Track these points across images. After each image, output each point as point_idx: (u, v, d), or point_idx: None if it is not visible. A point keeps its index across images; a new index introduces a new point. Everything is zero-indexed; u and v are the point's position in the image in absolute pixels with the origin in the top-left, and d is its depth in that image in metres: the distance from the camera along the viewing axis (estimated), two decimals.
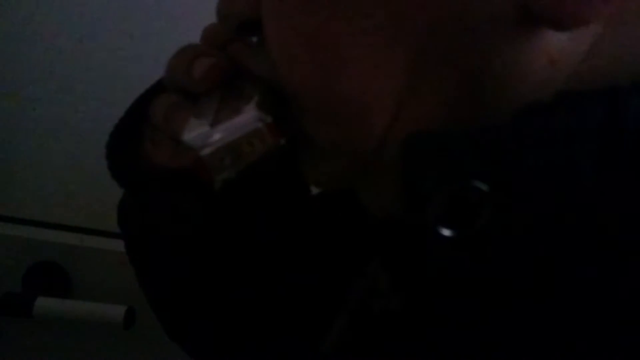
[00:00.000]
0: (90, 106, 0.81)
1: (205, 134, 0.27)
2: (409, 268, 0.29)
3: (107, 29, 0.81)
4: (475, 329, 0.25)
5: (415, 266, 0.27)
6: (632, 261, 0.22)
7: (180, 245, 0.38)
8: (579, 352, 0.22)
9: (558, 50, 0.22)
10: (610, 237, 0.22)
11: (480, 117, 0.24)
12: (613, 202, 0.22)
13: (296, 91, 0.26)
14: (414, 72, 0.23)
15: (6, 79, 0.81)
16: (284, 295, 0.40)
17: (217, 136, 0.27)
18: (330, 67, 0.24)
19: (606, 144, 0.22)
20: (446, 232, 0.24)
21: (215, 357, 0.43)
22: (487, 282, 0.24)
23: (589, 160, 0.22)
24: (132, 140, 0.35)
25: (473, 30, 0.22)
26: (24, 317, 0.74)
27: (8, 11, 0.80)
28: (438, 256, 0.25)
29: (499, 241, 0.23)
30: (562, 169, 0.22)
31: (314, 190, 0.39)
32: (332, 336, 0.35)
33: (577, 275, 0.23)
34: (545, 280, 0.23)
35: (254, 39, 0.30)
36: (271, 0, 0.25)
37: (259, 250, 0.40)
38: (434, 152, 0.24)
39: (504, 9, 0.21)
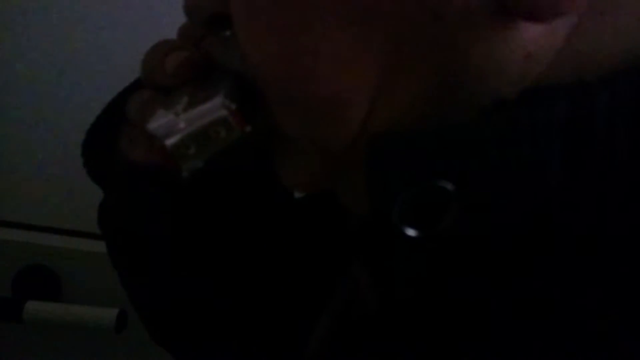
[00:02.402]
0: (82, 108, 0.81)
1: (169, 123, 0.27)
2: (383, 268, 0.28)
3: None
4: (444, 329, 0.25)
5: (386, 266, 0.27)
6: (601, 257, 0.22)
7: (155, 244, 0.38)
8: (554, 352, 0.22)
9: (534, 43, 0.22)
10: (577, 233, 0.22)
11: (457, 113, 0.23)
12: (580, 198, 0.22)
13: (268, 87, 0.25)
14: (389, 67, 0.23)
15: None
16: (266, 297, 0.40)
17: (181, 125, 0.26)
18: (303, 62, 0.23)
19: (573, 139, 0.21)
20: (411, 232, 0.23)
21: (199, 359, 0.43)
22: (452, 282, 0.24)
23: (555, 156, 0.21)
24: (109, 138, 0.35)
25: (447, 23, 0.21)
26: (14, 322, 0.73)
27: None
28: (404, 257, 0.25)
29: (464, 240, 0.23)
30: (528, 165, 0.22)
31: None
32: (316, 338, 0.35)
33: (544, 273, 0.22)
34: (512, 279, 0.23)
35: (227, 33, 0.30)
36: None
37: (239, 252, 0.39)
38: (397, 152, 0.23)
39: (479, 2, 0.21)
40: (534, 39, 0.22)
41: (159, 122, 0.27)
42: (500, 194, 0.22)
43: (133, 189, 0.35)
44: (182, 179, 0.28)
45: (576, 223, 0.22)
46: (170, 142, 0.26)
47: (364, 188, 0.25)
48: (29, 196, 0.83)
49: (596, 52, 0.22)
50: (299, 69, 0.24)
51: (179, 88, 0.30)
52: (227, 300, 0.40)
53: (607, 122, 0.21)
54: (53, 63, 0.82)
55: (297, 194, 0.39)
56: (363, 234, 0.32)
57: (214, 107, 0.26)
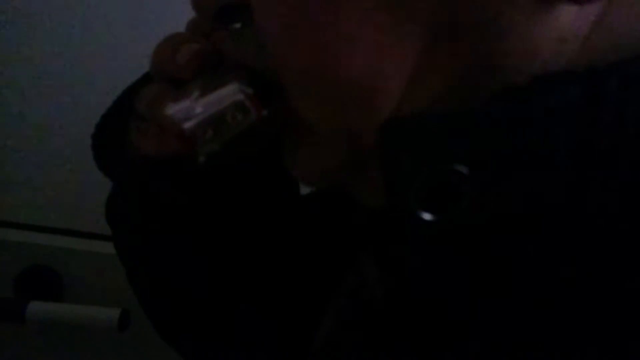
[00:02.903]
0: (83, 109, 0.81)
1: (187, 108, 0.27)
2: (393, 257, 0.28)
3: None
4: (457, 317, 0.25)
5: (398, 254, 0.27)
6: (611, 244, 0.22)
7: (165, 235, 0.38)
8: (563, 342, 0.22)
9: (567, 27, 0.22)
10: (586, 218, 0.22)
11: (488, 98, 0.23)
12: (590, 183, 0.22)
13: (295, 75, 0.25)
14: (426, 51, 0.23)
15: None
16: (271, 292, 0.40)
17: (198, 109, 0.27)
18: (335, 46, 0.23)
19: (583, 123, 0.22)
20: (427, 217, 0.24)
21: (206, 355, 0.43)
22: (468, 266, 0.24)
23: (565, 140, 0.22)
24: (119, 132, 0.35)
25: (491, 5, 0.22)
26: (16, 323, 0.73)
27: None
28: (419, 241, 0.25)
29: (478, 223, 0.24)
30: (540, 149, 0.22)
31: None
32: (324, 329, 0.35)
33: (556, 257, 0.23)
34: (525, 263, 0.23)
35: (237, 26, 0.29)
36: None
37: (246, 246, 0.39)
38: (412, 136, 0.23)
39: None
40: (568, 23, 0.22)
41: (176, 107, 0.27)
42: (513, 177, 0.23)
43: (144, 181, 0.35)
44: (199, 164, 0.28)
45: (585, 206, 0.22)
46: (187, 125, 0.27)
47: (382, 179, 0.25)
48: (31, 197, 0.83)
49: (624, 36, 0.23)
50: (333, 55, 0.23)
51: (191, 80, 0.30)
52: (233, 295, 0.40)
53: (616, 107, 0.21)
54: (56, 62, 0.81)
55: (303, 189, 0.39)
56: (372, 226, 0.32)
57: (231, 92, 0.27)
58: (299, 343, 0.36)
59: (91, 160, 0.37)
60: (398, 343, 0.28)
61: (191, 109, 0.27)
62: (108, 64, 0.80)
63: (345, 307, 0.34)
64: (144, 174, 0.35)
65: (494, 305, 0.24)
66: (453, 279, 0.25)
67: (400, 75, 0.23)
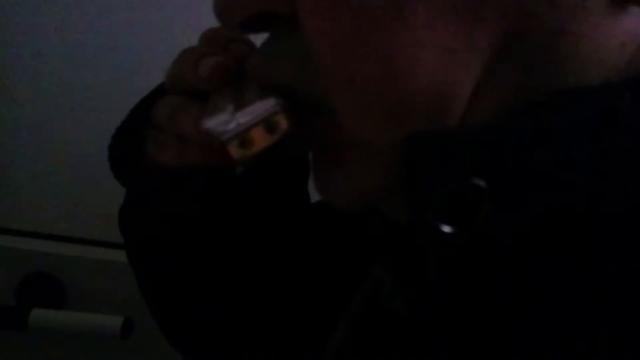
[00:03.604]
0: (84, 116, 0.81)
1: (226, 121, 0.28)
2: (411, 268, 0.28)
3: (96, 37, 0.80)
4: (475, 328, 0.25)
5: (415, 266, 0.27)
6: (630, 257, 0.22)
7: (184, 245, 0.38)
8: (579, 352, 0.22)
9: (628, 32, 0.23)
10: (606, 233, 0.23)
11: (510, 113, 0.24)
12: (609, 198, 0.22)
13: (352, 89, 0.24)
14: (494, 57, 0.22)
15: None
16: (287, 298, 0.40)
17: (239, 121, 0.28)
18: (403, 53, 0.22)
19: (601, 138, 0.22)
20: (446, 229, 0.24)
21: None
22: (485, 279, 0.24)
23: (584, 156, 0.22)
24: (134, 142, 0.36)
25: (562, 11, 0.22)
26: (19, 330, 0.73)
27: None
28: (438, 253, 0.25)
29: (497, 238, 0.24)
30: (559, 165, 0.22)
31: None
32: (337, 338, 0.34)
33: (576, 270, 0.23)
34: (544, 276, 0.24)
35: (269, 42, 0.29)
36: None
37: (264, 252, 0.40)
38: (434, 150, 0.23)
39: None
40: (629, 28, 0.23)
41: (215, 120, 0.28)
42: (532, 192, 0.23)
43: (161, 191, 0.36)
44: (236, 174, 0.29)
45: (605, 221, 0.23)
46: (226, 138, 0.28)
47: None
48: (33, 204, 0.83)
49: None
50: (401, 62, 0.22)
51: (215, 93, 0.31)
52: (246, 302, 0.40)
53: (630, 122, 0.22)
54: (59, 72, 0.82)
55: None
56: (388, 237, 0.32)
57: (268, 105, 0.28)
58: (312, 350, 0.36)
59: (94, 167, 0.38)
60: (416, 353, 0.27)
61: (228, 122, 0.28)
62: (110, 71, 0.80)
63: (360, 315, 0.34)
64: (159, 183, 0.35)
65: (514, 318, 0.24)
66: (471, 292, 0.25)
67: (468, 82, 0.23)
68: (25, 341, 0.79)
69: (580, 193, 0.22)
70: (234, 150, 0.28)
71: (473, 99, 0.23)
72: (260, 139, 0.28)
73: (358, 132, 0.25)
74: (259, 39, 0.30)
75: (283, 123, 0.28)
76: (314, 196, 0.40)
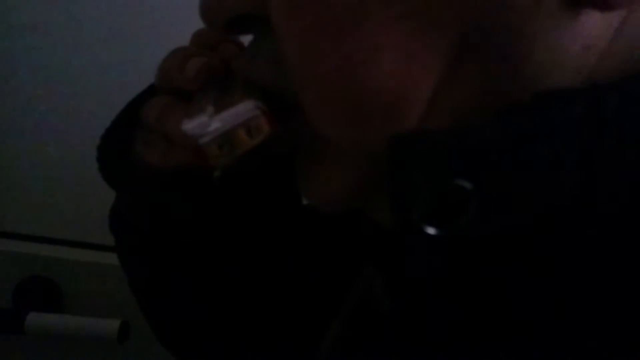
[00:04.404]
0: (83, 120, 0.81)
1: (203, 124, 0.28)
2: (399, 269, 0.28)
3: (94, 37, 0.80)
4: (460, 329, 0.25)
5: (402, 267, 0.27)
6: (617, 257, 0.22)
7: (173, 245, 0.38)
8: (563, 352, 0.22)
9: (591, 34, 0.22)
10: (592, 232, 0.23)
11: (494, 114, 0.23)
12: (594, 197, 0.22)
13: (317, 88, 0.25)
14: (452, 59, 0.23)
15: None
16: (281, 298, 0.40)
17: (215, 125, 0.28)
18: (360, 55, 0.23)
19: (585, 139, 0.22)
20: (431, 231, 0.24)
21: None
22: (470, 280, 0.25)
23: (569, 156, 0.22)
24: (124, 143, 0.36)
25: (517, 13, 0.22)
26: (16, 334, 0.73)
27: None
28: (423, 255, 0.25)
29: (482, 238, 0.24)
30: (544, 165, 0.22)
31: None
32: (330, 338, 0.34)
33: (561, 270, 0.23)
34: (530, 276, 0.24)
35: (252, 43, 0.30)
36: None
37: (253, 255, 0.40)
38: (418, 152, 0.24)
39: None
40: (591, 31, 0.22)
41: (192, 122, 0.28)
42: (517, 193, 0.23)
43: (150, 191, 0.36)
44: (214, 178, 0.29)
45: (590, 219, 0.23)
46: (204, 141, 0.27)
47: None
48: (30, 207, 0.83)
49: (638, 47, 0.23)
50: (358, 64, 0.23)
51: (200, 94, 0.31)
52: (238, 304, 0.40)
53: (617, 122, 0.22)
54: (58, 76, 0.81)
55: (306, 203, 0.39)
56: (378, 237, 0.32)
57: (247, 108, 0.27)
58: (305, 351, 0.36)
59: (91, 170, 0.37)
60: (404, 353, 0.27)
61: (207, 124, 0.27)
62: (107, 72, 0.80)
63: (352, 314, 0.34)
64: (148, 184, 0.35)
65: (498, 320, 0.24)
66: (456, 293, 0.25)
67: (427, 84, 0.23)
68: (22, 345, 0.78)
69: (566, 193, 0.23)
70: (212, 153, 0.27)
71: (433, 100, 0.23)
72: (240, 142, 0.27)
73: (325, 133, 0.25)
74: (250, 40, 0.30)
75: (263, 126, 0.27)
76: None
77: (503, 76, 0.23)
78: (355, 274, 0.35)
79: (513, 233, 0.23)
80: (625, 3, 0.21)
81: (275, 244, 0.40)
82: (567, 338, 0.22)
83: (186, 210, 0.37)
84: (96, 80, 0.81)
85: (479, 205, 0.23)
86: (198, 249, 0.38)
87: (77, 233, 0.82)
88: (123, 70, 0.79)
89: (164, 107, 0.32)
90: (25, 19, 0.80)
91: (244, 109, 0.27)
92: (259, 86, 0.28)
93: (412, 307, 0.27)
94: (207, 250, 0.38)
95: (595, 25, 0.22)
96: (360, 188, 0.27)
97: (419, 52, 0.22)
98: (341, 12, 0.23)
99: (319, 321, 0.35)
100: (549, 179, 0.22)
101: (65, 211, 0.83)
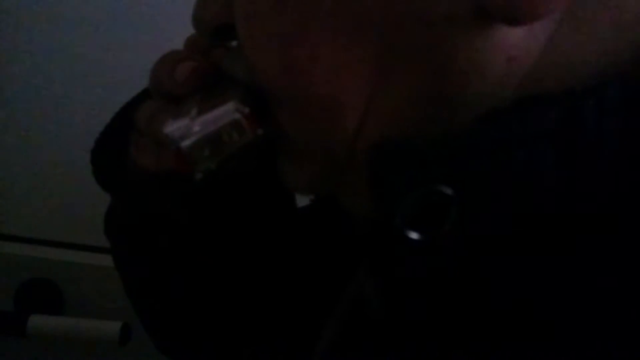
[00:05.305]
0: (83, 122, 0.81)
1: (184, 127, 0.28)
2: (386, 271, 0.29)
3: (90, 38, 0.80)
4: (444, 332, 0.25)
5: (389, 270, 0.28)
6: (596, 261, 0.22)
7: (166, 249, 0.38)
8: (555, 355, 0.22)
9: (515, 47, 0.23)
10: (570, 236, 0.23)
11: (447, 116, 0.24)
12: (576, 200, 0.23)
13: (271, 92, 0.27)
14: (381, 72, 0.24)
15: None
16: (275, 299, 0.40)
17: (196, 128, 0.28)
18: (301, 65, 0.25)
19: (564, 144, 0.22)
20: (414, 236, 0.24)
21: None
22: (454, 285, 0.25)
23: (548, 161, 0.22)
24: (118, 146, 0.36)
25: (434, 29, 0.23)
26: (17, 336, 0.73)
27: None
28: (406, 259, 0.25)
29: (463, 243, 0.24)
30: (522, 170, 0.23)
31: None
32: (324, 341, 0.35)
33: (544, 271, 0.23)
34: (513, 279, 0.24)
35: (233, 44, 0.30)
36: (242, 2, 0.26)
37: (247, 257, 0.40)
38: (398, 159, 0.24)
39: (460, 7, 0.22)
40: (516, 43, 0.23)
41: (174, 125, 0.28)
42: (497, 198, 0.23)
43: (142, 195, 0.36)
44: (195, 181, 0.29)
45: (571, 221, 0.23)
46: (185, 144, 0.27)
47: (363, 191, 0.26)
48: (32, 210, 0.83)
49: (574, 57, 0.23)
50: (298, 73, 0.25)
51: (188, 97, 0.31)
52: (233, 306, 0.40)
53: (596, 126, 0.22)
54: (56, 78, 0.82)
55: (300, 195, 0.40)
56: (368, 239, 0.32)
57: (228, 111, 0.27)
58: (299, 353, 0.36)
59: (91, 173, 0.38)
60: (396, 354, 0.28)
61: (189, 128, 0.27)
62: (108, 79, 0.80)
63: (345, 318, 0.34)
64: (141, 188, 0.35)
65: (483, 320, 0.24)
66: (439, 297, 0.26)
67: (360, 93, 0.25)
68: (24, 347, 0.79)
69: (546, 196, 0.23)
70: (194, 156, 0.28)
71: (370, 103, 0.25)
72: (221, 145, 0.28)
73: (285, 130, 0.27)
74: None
75: (245, 129, 0.28)
76: (304, 200, 0.41)
77: (429, 88, 0.24)
78: (349, 275, 0.35)
79: (495, 237, 0.24)
80: (529, 18, 0.21)
81: (270, 245, 0.40)
82: (561, 338, 0.22)
83: (181, 214, 0.37)
84: (96, 83, 0.81)
85: (459, 211, 0.23)
86: (192, 252, 0.38)
87: (78, 236, 0.82)
88: (122, 74, 0.79)
89: (154, 111, 0.32)
90: (25, 19, 0.80)
91: (224, 111, 0.27)
92: (244, 86, 0.29)
93: (398, 308, 0.28)
94: (201, 252, 0.38)
95: (518, 39, 0.22)
96: (321, 178, 0.29)
97: (351, 63, 0.24)
98: (286, 26, 0.25)
99: (314, 322, 0.36)
100: (528, 183, 0.23)
101: (67, 214, 0.83)
